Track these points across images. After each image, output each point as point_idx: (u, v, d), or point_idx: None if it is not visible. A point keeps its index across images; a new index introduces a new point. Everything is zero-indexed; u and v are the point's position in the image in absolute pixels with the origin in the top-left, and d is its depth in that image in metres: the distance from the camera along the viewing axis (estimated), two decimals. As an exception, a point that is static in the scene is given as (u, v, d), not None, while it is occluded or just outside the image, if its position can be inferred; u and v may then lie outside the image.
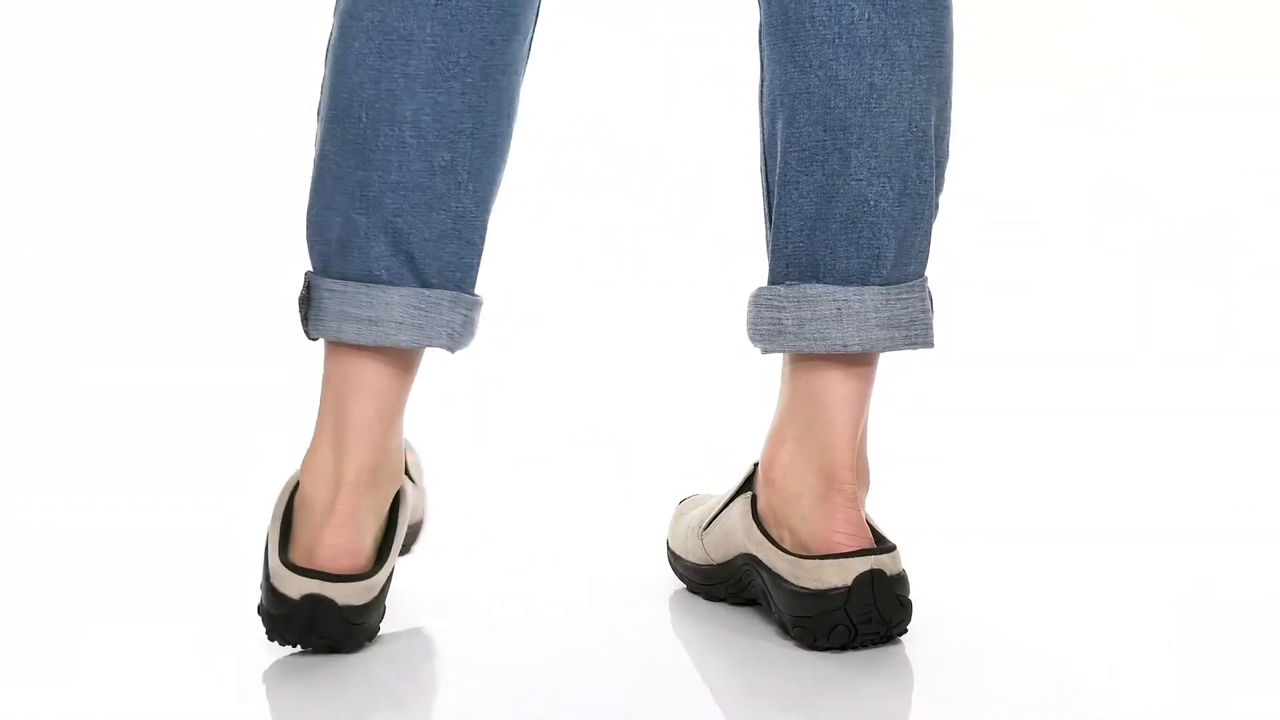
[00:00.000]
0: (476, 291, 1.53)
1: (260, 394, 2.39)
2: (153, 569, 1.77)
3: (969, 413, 2.34)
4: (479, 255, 1.52)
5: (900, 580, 1.48)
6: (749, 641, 1.53)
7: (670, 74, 2.86)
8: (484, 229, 1.52)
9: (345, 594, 1.49)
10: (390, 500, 1.55)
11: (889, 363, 1.55)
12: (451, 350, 1.52)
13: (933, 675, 1.47)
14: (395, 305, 1.49)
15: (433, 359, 1.58)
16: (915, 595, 1.50)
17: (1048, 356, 2.51)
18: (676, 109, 2.85)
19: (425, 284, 1.50)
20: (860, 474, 1.54)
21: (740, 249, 1.88)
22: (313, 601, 1.48)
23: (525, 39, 1.51)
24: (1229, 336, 2.58)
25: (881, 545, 1.50)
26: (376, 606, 1.51)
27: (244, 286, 2.65)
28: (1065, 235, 2.75)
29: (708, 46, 2.79)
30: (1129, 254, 2.72)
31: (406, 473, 1.62)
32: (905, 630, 1.49)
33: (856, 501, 1.52)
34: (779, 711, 1.42)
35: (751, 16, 1.55)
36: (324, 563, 1.50)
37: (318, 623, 1.48)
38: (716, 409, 2.32)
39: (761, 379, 1.68)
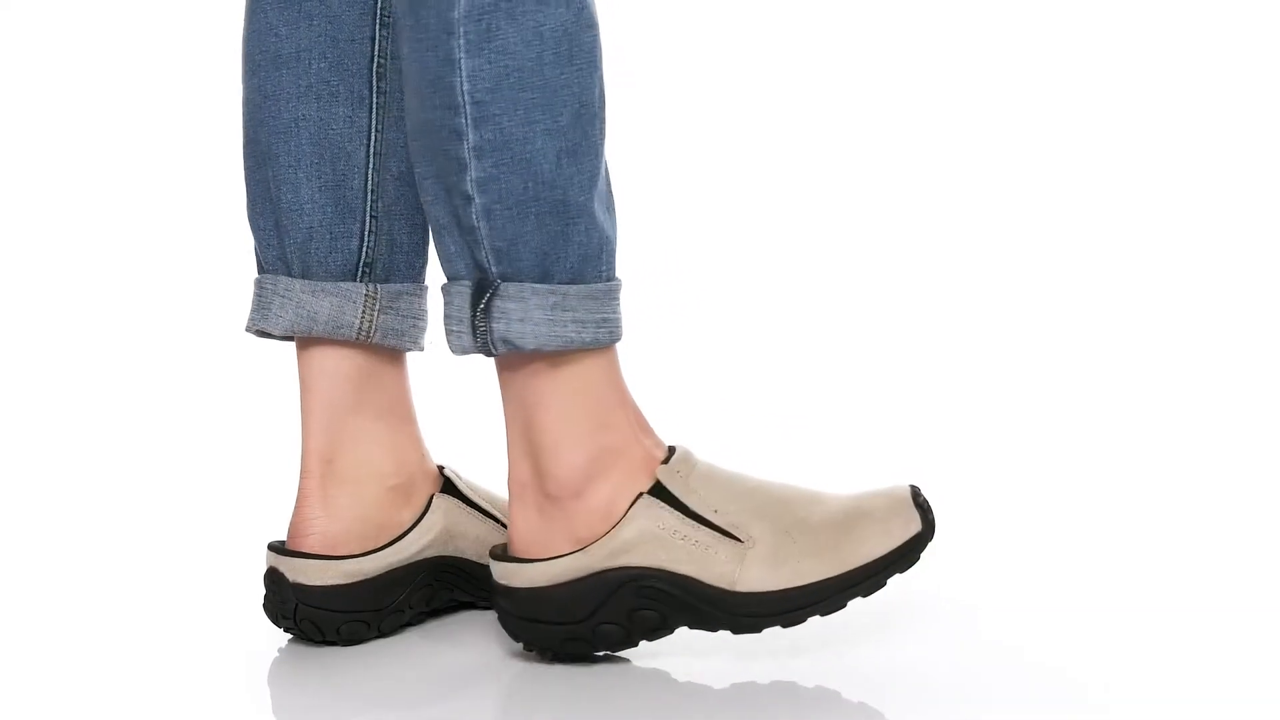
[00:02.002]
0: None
1: (260, 394, 2.39)
2: (154, 569, 1.78)
3: (961, 415, 2.34)
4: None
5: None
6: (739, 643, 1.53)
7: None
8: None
9: (294, 569, 1.54)
10: (394, 502, 1.57)
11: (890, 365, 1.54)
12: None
13: (922, 679, 1.47)
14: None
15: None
16: (917, 598, 1.51)
17: (1048, 356, 2.51)
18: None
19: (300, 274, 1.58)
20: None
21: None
22: (271, 576, 1.56)
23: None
24: (1228, 336, 2.57)
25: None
26: (346, 596, 1.54)
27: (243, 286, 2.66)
28: (1064, 235, 2.76)
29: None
30: (1129, 253, 2.72)
31: (472, 504, 1.63)
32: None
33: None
34: (765, 712, 1.42)
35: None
36: (290, 541, 1.57)
37: (275, 597, 1.55)
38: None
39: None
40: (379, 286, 1.58)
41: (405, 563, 1.57)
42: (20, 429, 2.33)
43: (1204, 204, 2.76)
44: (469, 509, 1.62)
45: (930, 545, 1.48)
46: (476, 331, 1.46)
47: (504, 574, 1.49)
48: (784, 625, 1.47)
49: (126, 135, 2.82)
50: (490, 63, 1.43)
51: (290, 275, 1.58)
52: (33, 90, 2.82)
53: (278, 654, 1.55)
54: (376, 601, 1.55)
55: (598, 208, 1.47)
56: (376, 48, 1.57)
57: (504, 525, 1.62)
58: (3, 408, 2.41)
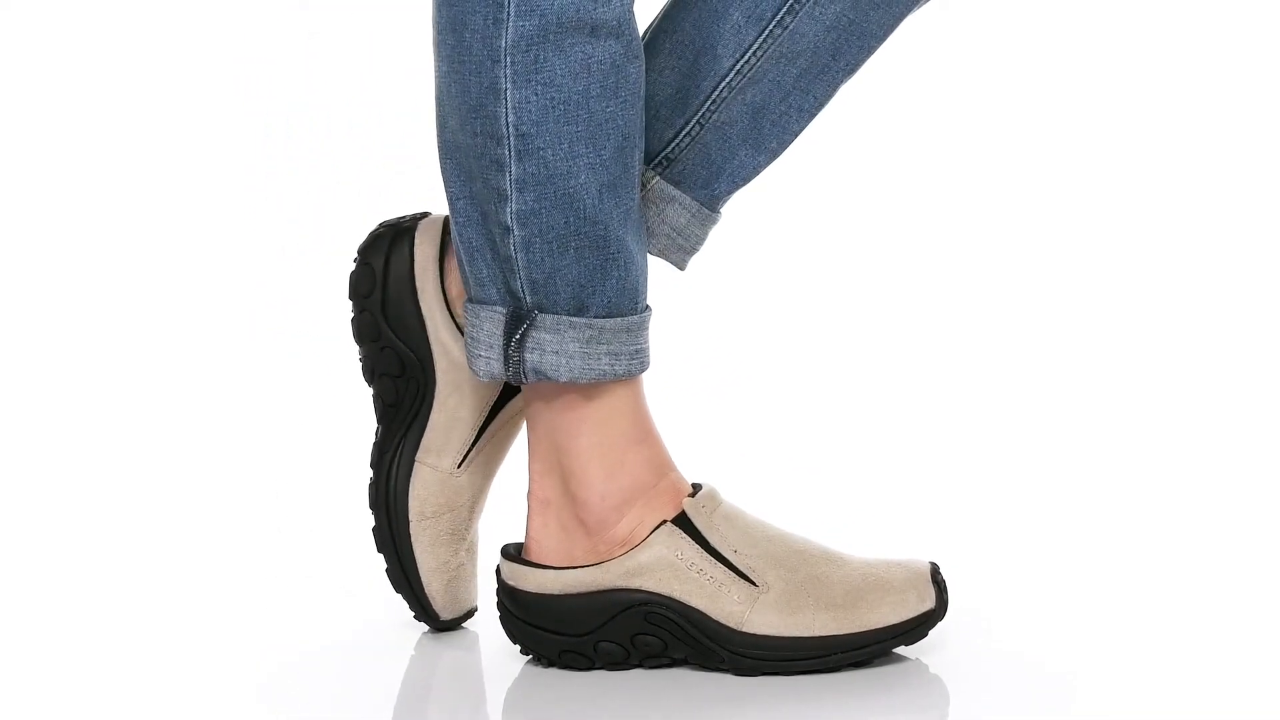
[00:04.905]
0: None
1: (257, 394, 2.40)
2: (156, 571, 1.78)
3: (966, 417, 2.34)
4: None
5: None
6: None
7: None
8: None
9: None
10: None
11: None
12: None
13: (924, 680, 1.48)
14: None
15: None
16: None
17: (1050, 356, 2.51)
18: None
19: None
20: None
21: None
22: None
23: None
24: (1226, 337, 2.57)
25: None
26: None
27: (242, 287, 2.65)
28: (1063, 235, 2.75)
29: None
30: (1128, 255, 2.71)
31: None
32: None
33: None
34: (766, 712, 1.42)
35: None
36: None
37: None
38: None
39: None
40: (661, 181, 1.53)
41: None
42: (21, 429, 2.33)
43: (1208, 209, 2.75)
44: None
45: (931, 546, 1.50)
46: (509, 360, 1.46)
47: (513, 575, 1.49)
48: (780, 674, 1.46)
49: (126, 135, 2.80)
50: (537, 95, 1.42)
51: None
52: (33, 90, 2.80)
53: (278, 654, 1.56)
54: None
55: (634, 240, 1.47)
56: None
57: None
58: (3, 408, 2.40)
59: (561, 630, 1.48)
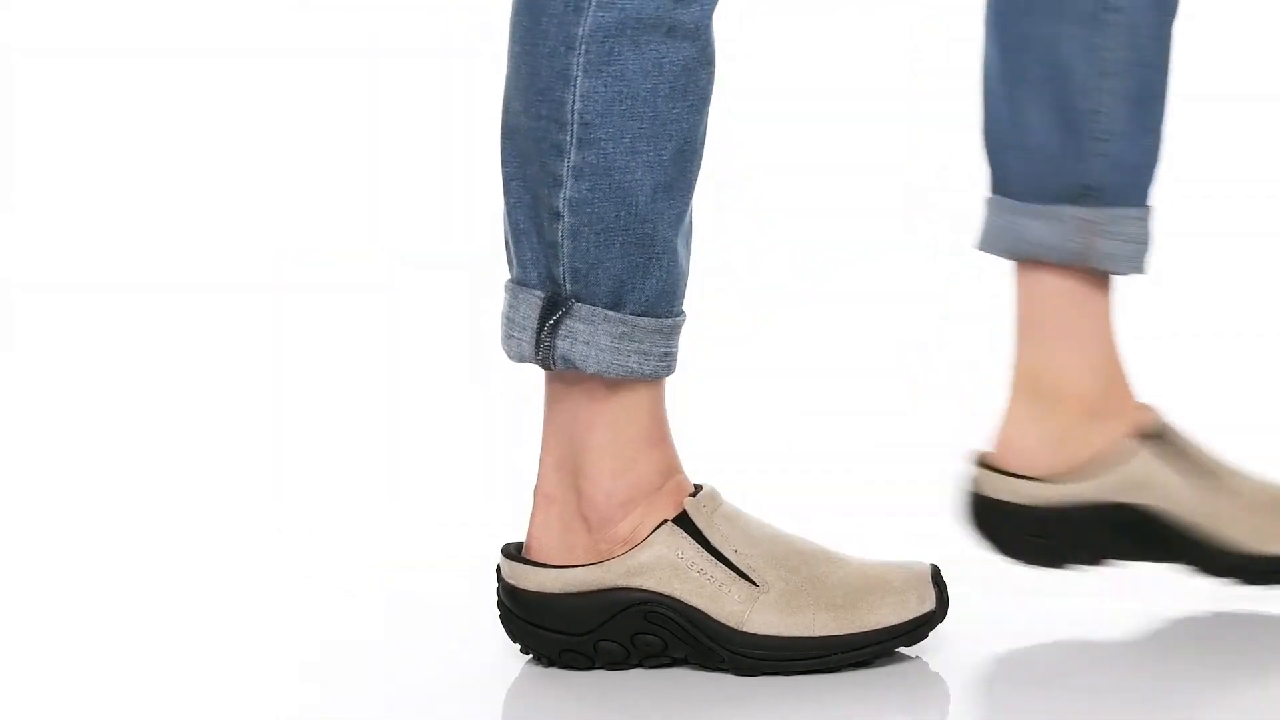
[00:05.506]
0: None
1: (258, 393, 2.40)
2: (156, 571, 1.78)
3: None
4: None
5: None
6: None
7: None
8: None
9: (1003, 489, 1.65)
10: (1090, 426, 1.64)
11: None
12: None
13: (926, 680, 1.48)
14: None
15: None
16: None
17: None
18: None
19: None
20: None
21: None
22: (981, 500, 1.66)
23: None
24: (1227, 340, 2.57)
25: None
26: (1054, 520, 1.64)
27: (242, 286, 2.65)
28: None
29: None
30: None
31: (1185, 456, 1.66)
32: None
33: None
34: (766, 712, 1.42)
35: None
36: (992, 457, 1.66)
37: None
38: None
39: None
40: (1100, 210, 1.59)
41: (1088, 500, 1.62)
42: (21, 429, 2.33)
43: (1211, 210, 2.75)
44: (1179, 460, 1.63)
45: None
46: (540, 345, 1.46)
47: (514, 574, 1.49)
48: (780, 674, 1.47)
49: (126, 134, 2.80)
50: (606, 86, 1.42)
51: (1007, 196, 1.61)
52: (32, 90, 2.80)
53: (278, 654, 1.56)
54: (1063, 534, 1.61)
55: (680, 245, 1.47)
56: None
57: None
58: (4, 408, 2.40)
59: (562, 629, 1.47)
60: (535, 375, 1.51)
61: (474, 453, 2.19)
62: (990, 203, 1.64)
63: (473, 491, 2.02)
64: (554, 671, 1.48)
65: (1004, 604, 1.64)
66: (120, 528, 1.91)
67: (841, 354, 2.49)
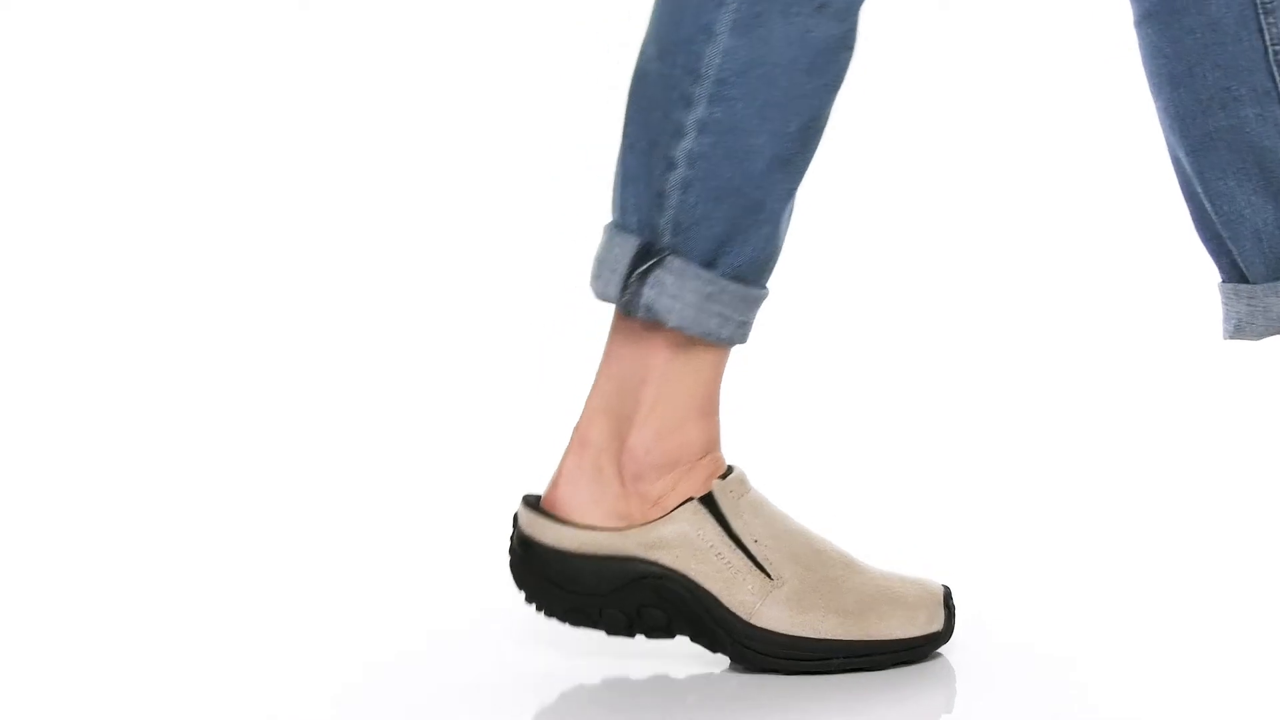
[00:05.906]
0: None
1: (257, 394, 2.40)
2: (156, 571, 1.78)
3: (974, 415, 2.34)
4: None
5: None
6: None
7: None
8: None
9: None
10: None
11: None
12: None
13: (927, 681, 1.48)
14: None
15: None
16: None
17: (1058, 364, 2.50)
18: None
19: None
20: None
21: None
22: None
23: None
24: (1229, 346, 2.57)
25: None
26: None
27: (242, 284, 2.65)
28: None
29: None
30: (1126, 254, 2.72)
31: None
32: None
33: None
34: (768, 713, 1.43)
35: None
36: None
37: None
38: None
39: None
40: None
41: None
42: (21, 428, 2.33)
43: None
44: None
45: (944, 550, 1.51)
46: (626, 288, 1.46)
47: (532, 526, 1.49)
48: (779, 672, 1.47)
49: (126, 135, 2.81)
50: (748, 48, 1.43)
51: (1249, 282, 1.54)
52: (32, 90, 2.81)
53: (277, 654, 1.56)
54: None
55: (784, 219, 1.48)
56: (1267, 37, 1.50)
57: None
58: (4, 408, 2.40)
59: (573, 588, 1.47)
60: (536, 375, 1.51)
61: (474, 453, 2.19)
62: (1226, 290, 1.57)
63: (473, 491, 2.02)
64: (554, 671, 1.48)
65: (1006, 605, 1.64)
66: (120, 528, 1.91)
67: (865, 360, 2.50)
